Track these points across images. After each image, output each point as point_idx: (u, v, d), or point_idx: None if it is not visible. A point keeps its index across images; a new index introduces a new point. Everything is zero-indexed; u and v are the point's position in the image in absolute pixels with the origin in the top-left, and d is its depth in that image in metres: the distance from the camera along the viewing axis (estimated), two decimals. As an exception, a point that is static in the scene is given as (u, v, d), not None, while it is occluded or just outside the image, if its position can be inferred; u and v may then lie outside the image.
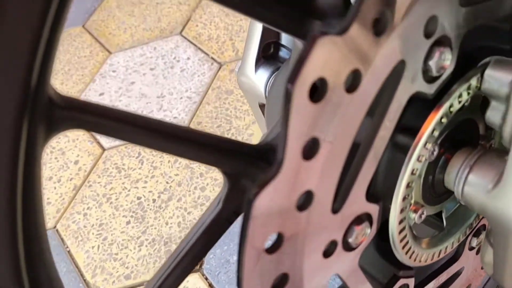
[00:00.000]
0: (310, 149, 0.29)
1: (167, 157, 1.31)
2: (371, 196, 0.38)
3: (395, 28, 0.30)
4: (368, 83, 0.30)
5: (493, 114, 0.39)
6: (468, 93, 0.39)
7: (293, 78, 0.26)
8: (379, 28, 0.29)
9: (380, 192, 0.40)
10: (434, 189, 0.45)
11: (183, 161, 1.29)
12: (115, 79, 1.56)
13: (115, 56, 1.64)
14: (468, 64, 0.43)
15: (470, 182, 0.42)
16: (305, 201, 0.31)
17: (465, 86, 0.39)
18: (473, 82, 0.39)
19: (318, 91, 0.28)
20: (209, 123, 1.38)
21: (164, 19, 1.73)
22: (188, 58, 1.57)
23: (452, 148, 0.44)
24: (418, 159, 0.39)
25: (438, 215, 0.50)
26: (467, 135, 0.45)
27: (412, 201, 0.44)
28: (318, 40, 0.26)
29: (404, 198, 0.40)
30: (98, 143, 1.38)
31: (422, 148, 0.38)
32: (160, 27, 1.71)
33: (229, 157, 0.36)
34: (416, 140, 0.38)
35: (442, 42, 0.34)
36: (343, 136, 0.31)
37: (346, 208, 0.35)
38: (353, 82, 0.30)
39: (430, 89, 0.36)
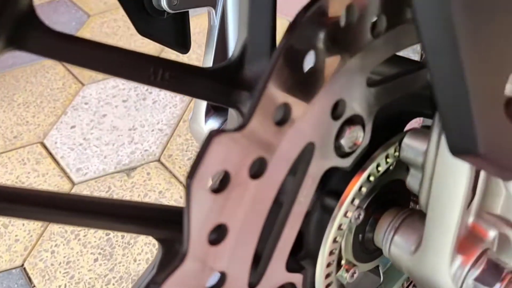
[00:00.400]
0: (217, 235, 0.31)
1: (137, 192, 1.31)
2: (295, 264, 0.39)
3: (299, 116, 0.32)
4: (275, 167, 0.32)
5: (412, 181, 0.41)
6: (387, 162, 0.41)
7: (191, 174, 0.27)
8: (281, 119, 0.31)
9: (305, 257, 0.41)
10: (366, 247, 0.47)
11: (153, 196, 1.29)
12: (87, 111, 1.56)
13: (87, 88, 1.65)
14: (392, 129, 0.44)
15: (396, 243, 0.43)
16: (217, 282, 0.32)
17: (383, 155, 0.40)
18: (391, 151, 0.41)
19: (219, 182, 0.29)
20: (179, 156, 1.38)
21: (137, 51, 1.75)
22: (160, 90, 1.58)
23: (381, 208, 0.45)
24: (339, 228, 0.40)
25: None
26: (396, 195, 0.46)
27: (343, 261, 0.45)
28: (214, 139, 0.27)
29: (328, 264, 0.41)
30: (68, 177, 1.38)
31: (343, 217, 0.40)
32: (133, 58, 1.72)
33: (159, 225, 0.36)
34: (336, 210, 0.39)
35: (353, 120, 0.36)
36: (253, 219, 0.32)
37: (265, 281, 0.36)
38: (258, 169, 0.31)
39: (345, 163, 0.37)
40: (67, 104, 1.60)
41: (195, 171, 0.27)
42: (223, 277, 0.32)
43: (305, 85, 0.31)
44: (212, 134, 0.27)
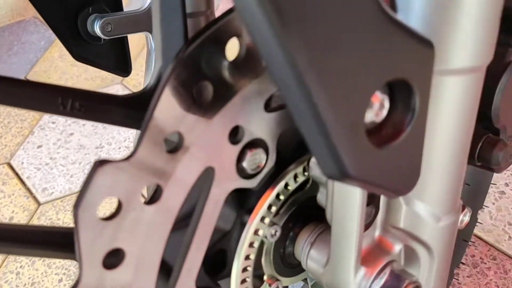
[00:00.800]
0: (114, 260, 0.32)
1: (103, 210, 1.31)
2: (209, 281, 0.41)
3: (194, 143, 0.34)
4: (172, 192, 0.33)
5: (321, 197, 0.43)
6: (297, 181, 0.43)
7: (77, 202, 0.29)
8: (172, 147, 0.33)
9: (229, 274, 0.43)
10: (288, 262, 0.48)
11: (118, 213, 1.30)
12: (54, 130, 1.57)
13: (55, 107, 1.65)
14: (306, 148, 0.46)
15: (311, 257, 0.45)
16: (119, 304, 0.34)
17: (291, 175, 0.42)
18: (300, 170, 0.43)
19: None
20: (146, 172, 1.39)
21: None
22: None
23: (301, 224, 0.47)
24: (251, 245, 0.42)
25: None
26: (317, 211, 0.48)
27: (266, 276, 0.47)
28: (98, 169, 0.29)
29: (243, 281, 0.43)
30: (34, 197, 1.38)
31: (253, 235, 0.41)
32: (102, 76, 1.74)
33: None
34: (245, 229, 0.41)
35: (254, 144, 0.38)
36: (152, 242, 0.34)
37: (174, 300, 0.37)
38: (153, 195, 0.33)
39: (251, 184, 0.39)
40: (34, 124, 1.60)
41: (80, 200, 0.29)
42: (126, 298, 0.34)
43: (198, 114, 0.33)
44: (97, 164, 0.29)
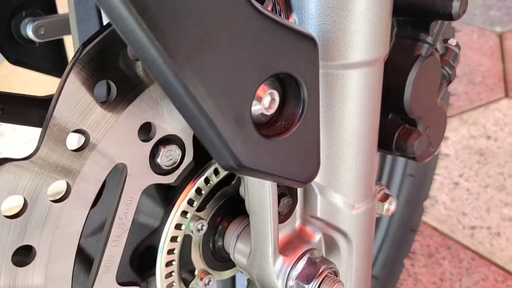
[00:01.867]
0: (24, 258, 0.33)
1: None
2: (135, 276, 0.42)
3: (100, 140, 0.34)
4: (81, 189, 0.34)
5: (242, 190, 0.44)
6: (217, 176, 0.44)
7: (-22, 202, 0.30)
8: (78, 146, 0.33)
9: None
10: (220, 256, 0.50)
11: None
12: (14, 136, 1.55)
13: (16, 113, 1.63)
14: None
15: (238, 250, 0.47)
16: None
17: (211, 170, 0.43)
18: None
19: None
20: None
21: None
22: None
23: (229, 218, 0.48)
24: (174, 239, 0.43)
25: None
26: (243, 204, 0.50)
27: (197, 270, 0.48)
28: (-3, 168, 0.30)
29: (168, 275, 0.44)
30: (-5, 205, 1.36)
31: (174, 229, 0.42)
32: (64, 81, 1.72)
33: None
34: (167, 223, 0.42)
35: (169, 140, 0.39)
36: (64, 239, 0.35)
37: (94, 295, 0.38)
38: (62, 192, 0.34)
39: (169, 180, 0.40)
40: (-5, 131, 1.58)
41: (-19, 199, 0.30)
42: (39, 294, 0.35)
43: (102, 112, 0.34)
44: (-4, 164, 0.30)
